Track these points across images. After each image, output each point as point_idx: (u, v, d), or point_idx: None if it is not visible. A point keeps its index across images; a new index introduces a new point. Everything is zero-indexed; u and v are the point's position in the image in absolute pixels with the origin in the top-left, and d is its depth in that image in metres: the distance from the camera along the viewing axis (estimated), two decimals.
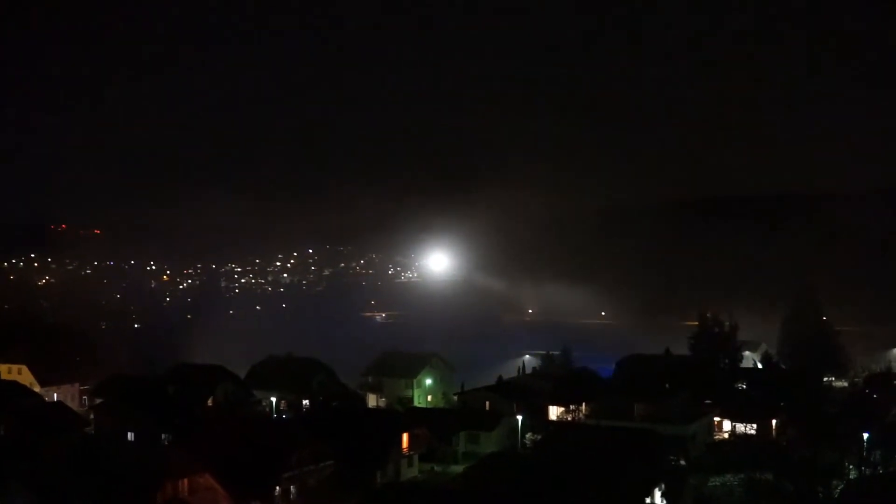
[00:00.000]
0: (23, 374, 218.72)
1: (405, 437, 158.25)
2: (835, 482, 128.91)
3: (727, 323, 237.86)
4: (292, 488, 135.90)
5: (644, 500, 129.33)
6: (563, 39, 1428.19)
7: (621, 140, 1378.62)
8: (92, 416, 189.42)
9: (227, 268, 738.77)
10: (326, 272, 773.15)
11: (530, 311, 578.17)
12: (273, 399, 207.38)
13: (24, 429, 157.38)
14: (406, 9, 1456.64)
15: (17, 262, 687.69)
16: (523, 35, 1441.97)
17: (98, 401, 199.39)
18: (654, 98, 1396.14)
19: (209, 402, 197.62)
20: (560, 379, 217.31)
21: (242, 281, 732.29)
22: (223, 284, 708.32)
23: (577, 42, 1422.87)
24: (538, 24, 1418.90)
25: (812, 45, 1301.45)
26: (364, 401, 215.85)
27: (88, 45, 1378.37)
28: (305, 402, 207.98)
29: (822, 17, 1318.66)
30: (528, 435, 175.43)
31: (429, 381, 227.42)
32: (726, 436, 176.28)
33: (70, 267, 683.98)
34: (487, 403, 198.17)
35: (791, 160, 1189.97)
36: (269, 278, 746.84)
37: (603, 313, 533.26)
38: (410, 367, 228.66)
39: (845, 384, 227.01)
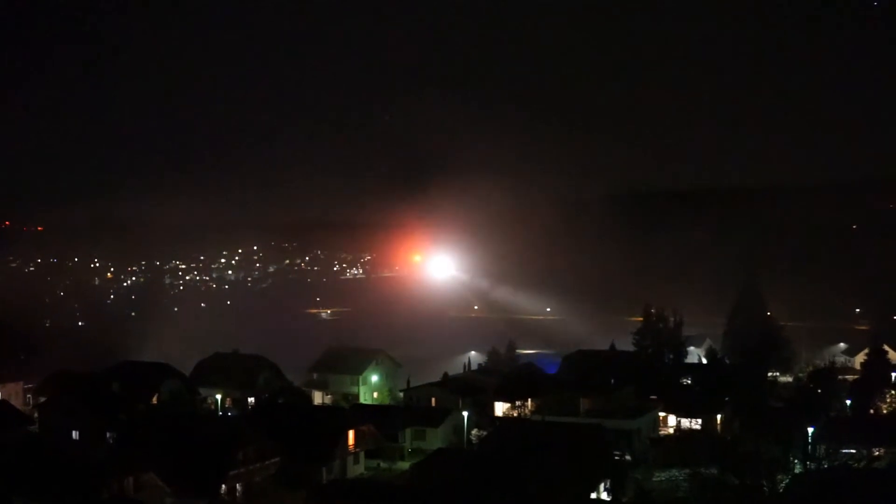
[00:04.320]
0: None
1: (351, 433, 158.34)
2: (780, 476, 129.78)
3: (672, 318, 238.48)
4: (238, 486, 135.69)
5: (589, 495, 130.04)
6: (515, 27, 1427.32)
7: (568, 132, 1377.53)
8: (36, 415, 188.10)
9: (172, 265, 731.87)
10: (271, 269, 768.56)
11: (476, 307, 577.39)
12: (218, 396, 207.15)
13: None
14: None
15: None
16: (480, 22, 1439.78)
17: (42, 399, 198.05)
18: (601, 89, 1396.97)
19: (154, 400, 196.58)
20: (506, 375, 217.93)
21: (187, 278, 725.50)
22: (167, 281, 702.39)
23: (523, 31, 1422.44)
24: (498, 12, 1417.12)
25: (763, 37, 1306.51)
26: (309, 398, 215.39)
27: (35, 38, 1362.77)
28: (251, 399, 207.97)
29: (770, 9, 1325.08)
30: (475, 431, 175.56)
31: (375, 378, 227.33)
32: (671, 430, 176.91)
33: (13, 264, 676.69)
34: (433, 400, 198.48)
35: (738, 153, 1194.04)
36: (214, 275, 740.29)
37: (548, 309, 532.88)
38: (356, 364, 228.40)
39: (790, 379, 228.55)
